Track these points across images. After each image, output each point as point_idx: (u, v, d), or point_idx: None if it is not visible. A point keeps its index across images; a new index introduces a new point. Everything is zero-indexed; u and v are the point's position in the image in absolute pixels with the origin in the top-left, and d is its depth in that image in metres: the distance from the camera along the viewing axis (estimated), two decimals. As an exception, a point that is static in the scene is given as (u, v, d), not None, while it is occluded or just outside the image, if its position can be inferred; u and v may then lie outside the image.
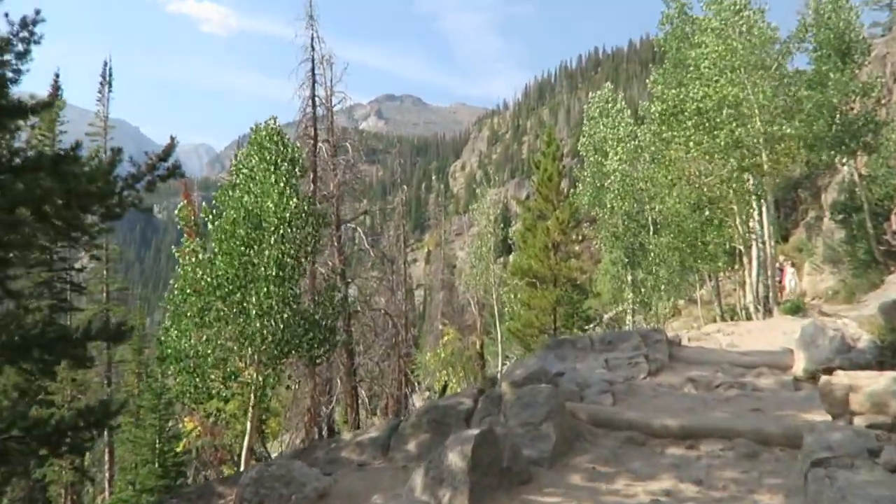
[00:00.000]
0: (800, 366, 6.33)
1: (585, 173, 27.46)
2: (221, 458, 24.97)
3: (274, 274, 13.54)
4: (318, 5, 23.65)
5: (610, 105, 27.61)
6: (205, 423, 24.20)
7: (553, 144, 22.65)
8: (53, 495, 24.84)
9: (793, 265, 24.33)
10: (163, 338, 14.05)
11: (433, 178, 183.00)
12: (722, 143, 15.06)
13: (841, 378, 4.68)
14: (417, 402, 38.18)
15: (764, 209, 22.40)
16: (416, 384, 32.61)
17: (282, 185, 14.11)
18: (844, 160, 22.98)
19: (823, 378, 4.78)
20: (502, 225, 47.27)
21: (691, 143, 15.56)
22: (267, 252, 13.62)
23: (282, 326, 13.64)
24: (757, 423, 5.05)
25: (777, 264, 19.62)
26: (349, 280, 25.31)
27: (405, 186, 34.91)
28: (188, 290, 13.76)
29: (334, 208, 24.87)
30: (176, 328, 13.89)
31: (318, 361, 15.42)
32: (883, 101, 24.74)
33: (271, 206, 13.77)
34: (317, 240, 14.96)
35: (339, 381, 24.45)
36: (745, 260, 19.38)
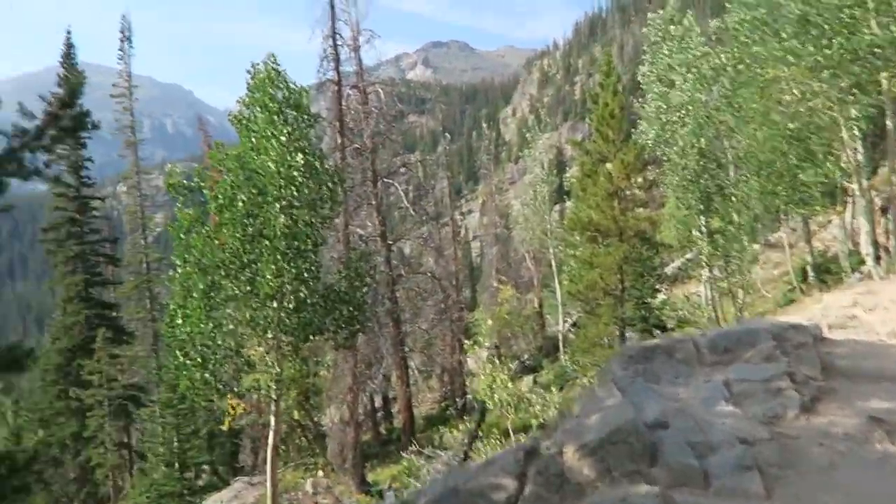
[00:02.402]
0: None
1: (649, 108, 24.18)
2: (265, 438, 23.63)
3: (283, 247, 11.31)
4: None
5: (673, 28, 24.08)
6: (248, 399, 22.85)
7: (613, 75, 19.46)
8: (100, 478, 24.05)
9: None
10: (167, 324, 12.12)
11: (484, 125, 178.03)
12: (835, 56, 11.81)
13: None
14: (473, 364, 36.38)
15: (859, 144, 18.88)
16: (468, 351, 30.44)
17: (284, 137, 11.73)
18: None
19: None
20: (556, 171, 44.11)
21: (790, 58, 12.37)
22: (273, 221, 11.37)
23: (298, 308, 11.49)
24: None
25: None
26: (390, 242, 23.09)
27: (448, 135, 32.15)
28: (189, 268, 11.72)
29: (369, 162, 22.51)
30: (181, 312, 11.93)
31: (346, 344, 13.28)
32: None
33: (271, 165, 11.43)
34: (335, 201, 12.60)
35: (385, 353, 22.50)
36: (851, 201, 16.07)
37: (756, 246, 31.76)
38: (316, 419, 24.42)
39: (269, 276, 11.09)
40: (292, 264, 11.29)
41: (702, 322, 16.66)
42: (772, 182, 15.83)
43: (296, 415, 22.77)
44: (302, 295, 11.50)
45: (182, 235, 11.84)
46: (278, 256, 11.21)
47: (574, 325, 34.14)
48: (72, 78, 5.23)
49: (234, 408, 22.70)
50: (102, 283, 27.16)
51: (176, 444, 15.85)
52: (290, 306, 11.40)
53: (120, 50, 29.49)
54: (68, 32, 27.20)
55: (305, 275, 11.52)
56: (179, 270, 11.93)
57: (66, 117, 5.34)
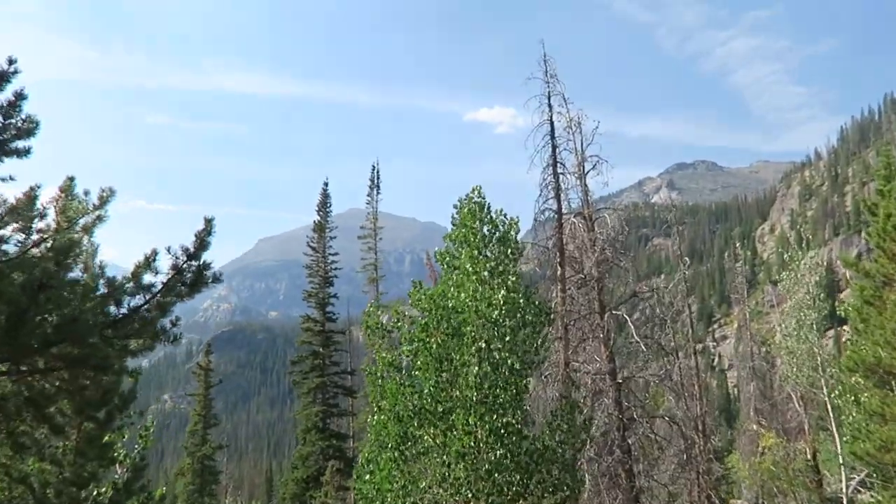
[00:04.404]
0: None
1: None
2: None
3: (477, 398, 9.97)
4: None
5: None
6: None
7: None
8: None
9: None
10: (357, 476, 11.27)
11: (737, 244, 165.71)
12: None
13: None
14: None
15: None
16: (724, 506, 25.61)
17: (486, 273, 10.72)
18: None
19: None
20: (827, 293, 37.86)
21: None
22: (467, 369, 10.16)
23: (493, 470, 9.89)
24: None
25: None
26: (620, 381, 20.60)
27: (687, 259, 29.23)
28: (383, 416, 10.88)
29: (595, 292, 20.75)
30: (374, 466, 11.03)
31: (556, 512, 11.16)
32: None
33: (469, 302, 10.39)
34: (541, 343, 11.10)
35: (616, 511, 19.44)
36: None
37: None
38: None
39: (460, 431, 9.77)
40: (486, 419, 9.85)
41: None
42: None
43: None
44: (497, 455, 9.91)
45: (380, 381, 11.19)
46: (471, 409, 9.88)
47: (863, 484, 27.39)
48: (204, 228, 4.80)
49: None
50: (339, 414, 28.17)
51: None
52: (485, 468, 9.84)
53: (368, 196, 32.24)
54: (325, 184, 30.47)
55: (503, 431, 9.98)
56: (375, 418, 11.18)
57: (190, 270, 4.79)
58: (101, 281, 5.31)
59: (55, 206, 5.72)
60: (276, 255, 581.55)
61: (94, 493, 7.88)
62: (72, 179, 6.25)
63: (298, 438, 27.57)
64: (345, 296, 34.98)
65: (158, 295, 4.77)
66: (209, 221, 4.87)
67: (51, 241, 5.40)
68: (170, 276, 4.78)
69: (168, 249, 4.81)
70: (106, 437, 8.20)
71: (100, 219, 5.92)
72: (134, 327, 4.79)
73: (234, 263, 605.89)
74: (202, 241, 4.86)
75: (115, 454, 8.77)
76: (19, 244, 4.76)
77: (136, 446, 9.60)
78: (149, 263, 5.26)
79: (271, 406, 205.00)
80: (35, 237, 4.88)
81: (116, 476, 8.92)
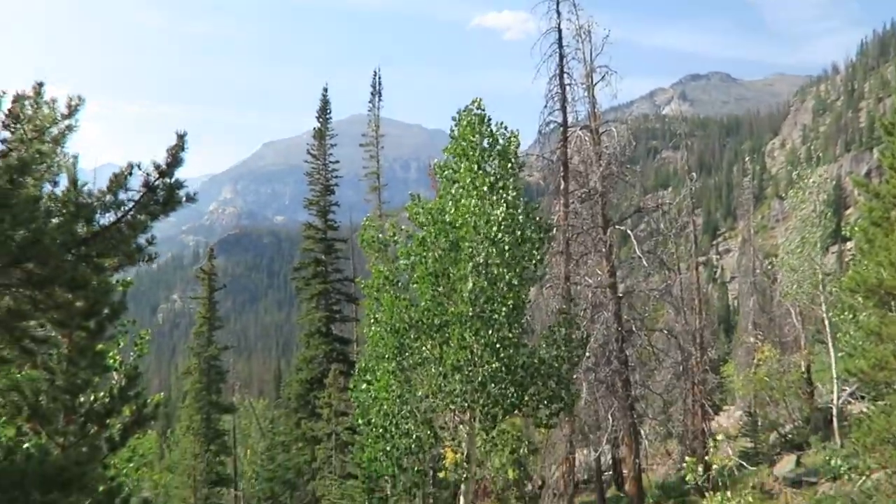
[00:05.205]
0: None
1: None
2: (486, 490, 22.46)
3: (472, 313, 9.90)
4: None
5: None
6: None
7: (916, 96, 15.13)
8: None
9: None
10: (353, 386, 11.42)
11: (746, 159, 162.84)
12: None
13: None
14: (725, 422, 31.56)
15: None
16: (713, 415, 26.28)
17: (486, 188, 10.40)
18: None
19: None
20: (834, 210, 37.41)
21: None
22: (461, 285, 10.04)
23: (487, 382, 9.97)
24: None
25: None
26: (621, 294, 20.67)
27: (694, 174, 28.65)
28: (380, 328, 10.89)
29: (599, 206, 20.46)
30: (371, 375, 11.16)
31: (550, 423, 11.40)
32: None
33: (469, 217, 10.14)
34: (539, 259, 10.92)
35: (610, 418, 19.98)
36: None
37: None
38: (534, 476, 22.70)
39: (453, 346, 9.78)
40: (482, 333, 9.83)
41: None
42: None
43: (510, 473, 21.31)
44: (493, 368, 9.97)
45: (375, 293, 11.12)
46: (467, 324, 9.84)
47: (854, 396, 27.98)
48: (176, 143, 4.46)
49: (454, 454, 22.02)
50: (342, 319, 28.56)
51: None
52: (479, 380, 9.93)
53: (370, 102, 31.28)
54: (325, 90, 29.55)
55: (498, 345, 9.99)
56: (372, 329, 11.20)
57: (162, 188, 4.53)
58: (75, 197, 5.07)
59: (22, 115, 5.39)
60: (281, 160, 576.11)
61: (92, 398, 7.98)
62: (41, 85, 5.88)
63: (302, 342, 28.11)
64: (349, 202, 34.82)
65: (131, 213, 4.54)
66: (181, 137, 4.56)
67: (16, 154, 5.10)
68: (141, 193, 4.54)
69: (139, 166, 4.54)
70: (99, 347, 8.17)
71: (69, 128, 5.58)
72: (108, 245, 4.59)
73: (239, 168, 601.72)
74: (175, 157, 4.58)
75: (111, 362, 8.84)
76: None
77: (132, 354, 9.71)
78: (121, 180, 5.00)
79: (279, 307, 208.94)
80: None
81: (114, 382, 9.02)
